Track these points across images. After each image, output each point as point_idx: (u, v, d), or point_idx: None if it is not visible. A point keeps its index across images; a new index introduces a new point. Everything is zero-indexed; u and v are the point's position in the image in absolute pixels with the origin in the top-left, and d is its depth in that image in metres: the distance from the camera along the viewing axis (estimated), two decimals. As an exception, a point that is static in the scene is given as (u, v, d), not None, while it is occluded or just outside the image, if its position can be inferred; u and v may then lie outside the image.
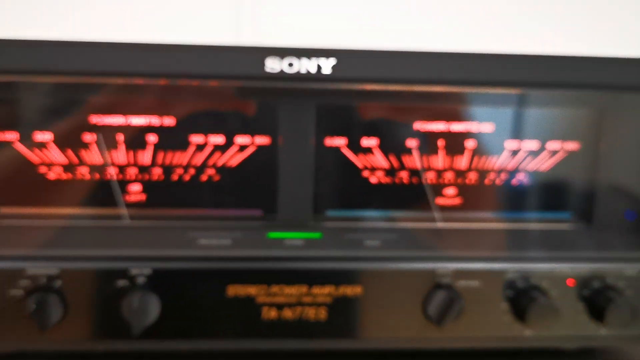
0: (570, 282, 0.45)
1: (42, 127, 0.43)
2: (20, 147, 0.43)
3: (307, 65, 0.41)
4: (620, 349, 0.50)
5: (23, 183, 0.43)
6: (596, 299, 0.45)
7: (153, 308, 0.42)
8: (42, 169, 0.43)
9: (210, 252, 0.44)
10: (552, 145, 0.46)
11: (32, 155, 0.43)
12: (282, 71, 0.41)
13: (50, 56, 0.40)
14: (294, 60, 0.41)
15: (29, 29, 0.76)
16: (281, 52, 0.41)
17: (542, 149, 0.46)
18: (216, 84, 0.42)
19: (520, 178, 0.47)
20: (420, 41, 0.79)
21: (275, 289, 0.44)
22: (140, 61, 0.40)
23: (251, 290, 0.43)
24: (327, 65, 0.41)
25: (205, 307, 0.43)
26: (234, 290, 0.43)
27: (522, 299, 0.44)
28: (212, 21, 0.79)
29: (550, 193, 0.47)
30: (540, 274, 0.45)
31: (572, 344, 0.47)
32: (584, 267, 0.45)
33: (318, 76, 0.41)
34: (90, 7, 0.78)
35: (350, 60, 0.41)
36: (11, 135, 0.43)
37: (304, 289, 0.44)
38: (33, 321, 0.41)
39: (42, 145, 0.43)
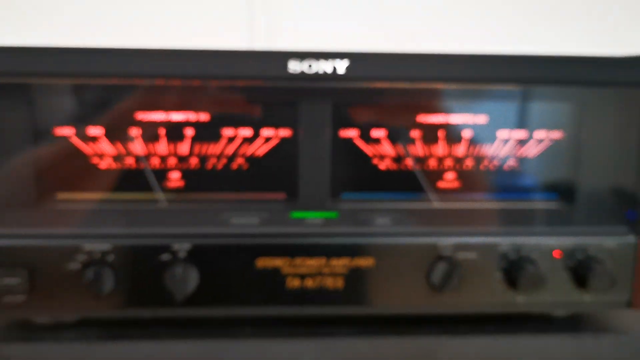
0: (556, 254, 0.52)
1: (95, 123, 0.49)
2: (76, 141, 0.49)
3: (324, 67, 0.47)
4: (604, 316, 0.56)
5: (78, 172, 0.50)
6: (579, 269, 0.52)
7: (192, 279, 0.49)
8: (95, 160, 0.50)
9: (241, 230, 0.50)
10: (539, 134, 0.52)
11: (86, 148, 0.50)
12: (302, 72, 0.47)
13: (102, 62, 0.47)
14: (312, 62, 0.47)
15: (65, 36, 0.84)
16: (301, 56, 0.47)
17: (530, 137, 0.53)
18: (245, 83, 0.48)
19: (511, 164, 0.53)
20: (420, 43, 0.86)
21: (297, 261, 0.50)
22: (180, 65, 0.47)
23: (277, 262, 0.50)
24: (341, 66, 0.47)
25: (237, 278, 0.50)
26: (262, 262, 0.50)
27: (513, 268, 0.51)
28: (228, 27, 0.87)
29: (537, 176, 0.53)
30: (529, 247, 0.51)
31: (559, 309, 0.54)
32: (569, 241, 0.52)
33: (334, 76, 0.47)
34: (130, 19, 0.86)
35: (361, 61, 0.48)
36: (68, 131, 0.49)
37: (322, 261, 0.50)
38: (89, 291, 0.48)
39: (94, 139, 0.50)
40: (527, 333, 0.52)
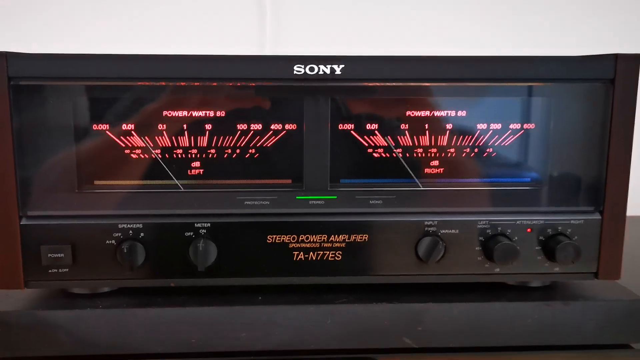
0: (529, 230, 0.59)
1: (127, 120, 0.57)
2: (111, 135, 0.57)
3: (323, 69, 0.55)
4: (574, 286, 0.63)
5: (113, 161, 0.58)
6: (549, 242, 0.59)
7: (212, 252, 0.57)
8: (127, 151, 0.58)
9: (253, 210, 0.58)
10: (513, 126, 0.60)
11: (119, 141, 0.58)
12: (305, 73, 0.55)
13: (136, 67, 0.55)
14: (314, 65, 0.55)
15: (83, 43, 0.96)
16: (304, 60, 0.55)
17: (505, 129, 0.60)
18: (256, 84, 0.56)
19: (489, 151, 0.60)
20: (409, 47, 0.98)
21: (302, 237, 0.58)
22: (201, 69, 0.55)
23: (285, 238, 0.58)
24: (338, 68, 0.55)
25: (250, 252, 0.58)
26: (272, 238, 0.58)
27: (491, 242, 0.58)
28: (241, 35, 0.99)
29: (512, 163, 0.60)
30: (505, 224, 0.59)
31: (533, 279, 0.61)
32: (540, 219, 0.59)
33: (332, 76, 0.55)
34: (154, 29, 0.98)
35: (354, 64, 0.55)
36: (104, 126, 0.57)
37: (324, 237, 0.58)
38: (123, 263, 0.56)
39: (127, 133, 0.58)
40: (505, 300, 0.59)
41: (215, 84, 0.56)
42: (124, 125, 0.57)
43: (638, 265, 0.73)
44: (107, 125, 0.57)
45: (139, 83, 0.55)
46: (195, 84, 0.56)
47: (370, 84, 0.57)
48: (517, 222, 0.59)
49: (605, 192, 0.58)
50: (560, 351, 0.60)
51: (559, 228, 0.59)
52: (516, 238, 0.58)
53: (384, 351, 0.59)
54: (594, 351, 0.60)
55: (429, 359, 0.59)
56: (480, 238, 0.59)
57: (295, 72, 0.55)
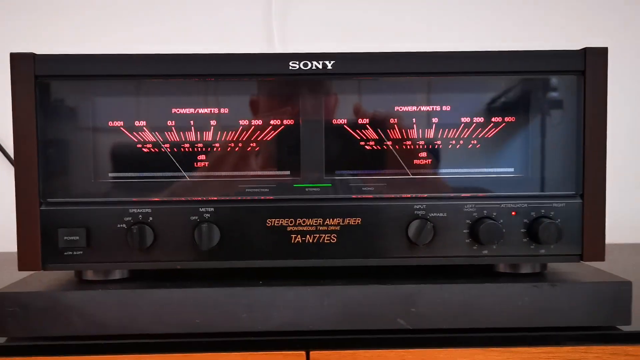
0: (514, 213, 0.62)
1: (139, 117, 0.63)
2: (125, 131, 0.63)
3: (315, 64, 0.61)
4: (563, 271, 0.66)
5: (126, 155, 0.63)
6: (534, 225, 0.62)
7: (215, 234, 0.61)
8: (139, 145, 0.63)
9: (254, 197, 0.62)
10: (495, 119, 0.64)
11: (132, 136, 0.63)
12: (299, 68, 0.61)
13: (147, 66, 0.61)
14: (307, 61, 0.61)
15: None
16: (299, 56, 0.61)
17: (489, 122, 0.64)
18: (256, 80, 0.62)
19: (474, 143, 0.64)
20: (393, 43, 1.16)
21: (299, 221, 0.62)
22: (204, 65, 0.61)
23: (283, 222, 0.62)
24: (329, 64, 0.61)
25: (251, 235, 0.62)
26: (271, 222, 0.62)
27: (477, 224, 0.62)
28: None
29: (497, 153, 0.65)
30: (490, 207, 0.62)
31: (520, 261, 0.64)
32: (524, 203, 0.63)
33: (324, 71, 0.61)
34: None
35: (343, 60, 0.61)
36: (119, 123, 0.63)
37: (319, 220, 0.62)
38: (133, 244, 0.60)
39: (139, 129, 0.63)
40: (495, 282, 0.62)
41: (219, 79, 0.62)
42: (137, 122, 0.63)
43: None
44: (121, 122, 0.63)
45: (150, 80, 0.62)
46: (204, 79, 0.62)
47: (360, 78, 0.62)
48: (502, 206, 0.62)
49: (584, 176, 0.62)
50: (547, 332, 0.61)
51: (542, 211, 0.62)
52: (502, 221, 0.62)
53: (379, 332, 0.61)
54: (582, 332, 0.62)
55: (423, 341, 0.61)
56: (467, 221, 0.62)
57: (290, 67, 0.61)
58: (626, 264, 0.91)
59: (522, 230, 0.62)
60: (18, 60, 0.60)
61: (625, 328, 0.62)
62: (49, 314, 0.60)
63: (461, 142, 0.64)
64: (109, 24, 1.16)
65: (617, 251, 1.01)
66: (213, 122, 0.63)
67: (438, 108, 0.64)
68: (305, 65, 0.61)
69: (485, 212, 0.62)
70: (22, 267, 0.61)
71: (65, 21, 1.15)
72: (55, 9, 1.15)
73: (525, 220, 0.62)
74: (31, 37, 1.15)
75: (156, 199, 0.62)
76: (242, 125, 0.63)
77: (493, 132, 0.64)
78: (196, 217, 0.61)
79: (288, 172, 0.64)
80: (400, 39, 1.16)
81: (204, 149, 0.63)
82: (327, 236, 0.62)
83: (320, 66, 0.61)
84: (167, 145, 0.63)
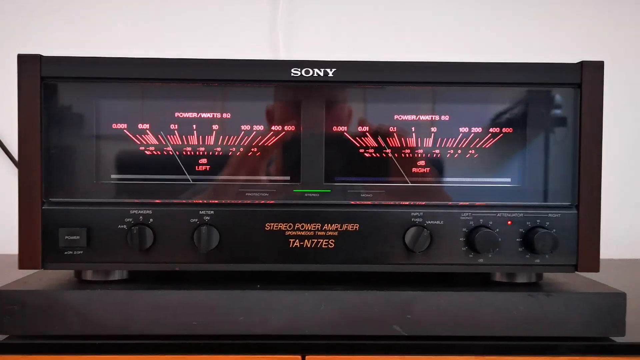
0: (509, 222, 0.63)
1: (143, 120, 0.64)
2: (128, 134, 0.64)
3: (317, 71, 0.62)
4: (559, 282, 0.67)
5: (128, 157, 0.64)
6: (529, 234, 0.63)
7: (214, 238, 0.62)
8: (142, 148, 0.64)
9: (254, 201, 0.63)
10: (493, 129, 0.65)
11: (135, 139, 0.64)
12: (301, 75, 0.62)
13: (151, 70, 0.62)
14: (309, 68, 0.62)
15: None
16: (300, 64, 0.62)
17: (487, 132, 0.65)
18: (259, 85, 0.63)
19: (472, 153, 0.65)
20: (396, 54, 1.17)
21: (298, 226, 0.63)
22: (208, 70, 0.62)
23: (282, 226, 0.63)
24: (330, 72, 0.62)
25: (250, 238, 0.62)
26: (270, 226, 0.63)
27: (474, 233, 0.62)
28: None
29: (494, 163, 0.65)
30: (487, 216, 0.63)
31: (515, 270, 0.64)
32: (520, 212, 0.63)
33: (325, 78, 0.62)
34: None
35: (345, 68, 0.62)
36: (123, 125, 0.64)
37: (318, 226, 0.63)
38: (132, 245, 0.61)
39: (142, 132, 0.64)
40: (490, 291, 0.63)
41: (223, 84, 0.63)
42: (140, 125, 0.64)
43: None
44: (125, 125, 0.64)
45: (154, 84, 0.63)
46: (208, 84, 0.63)
47: (361, 86, 0.63)
48: (498, 215, 0.63)
49: (580, 187, 0.63)
50: (542, 341, 0.62)
51: (538, 221, 0.63)
52: (498, 230, 0.63)
53: (375, 338, 0.62)
54: (576, 343, 0.62)
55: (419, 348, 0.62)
56: (464, 229, 0.63)
57: (292, 74, 0.62)
58: (621, 277, 0.92)
59: (517, 239, 0.63)
60: (25, 62, 0.61)
61: (619, 339, 0.62)
62: (47, 312, 0.60)
63: (459, 151, 0.65)
64: (113, 25, 1.19)
65: (612, 266, 1.02)
66: (215, 127, 0.64)
67: (437, 118, 0.65)
68: (307, 72, 0.62)
69: (481, 220, 0.63)
70: (22, 265, 0.61)
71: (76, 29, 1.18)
72: (53, 10, 1.18)
73: (521, 230, 0.63)
74: (30, 38, 1.17)
75: (157, 201, 0.63)
76: (243, 130, 0.64)
77: (491, 142, 0.65)
78: (196, 220, 0.62)
79: (288, 178, 0.65)
80: (405, 52, 1.18)
81: (205, 153, 0.64)
82: (325, 241, 0.63)
83: (321, 74, 0.62)
84: (169, 148, 0.64)
